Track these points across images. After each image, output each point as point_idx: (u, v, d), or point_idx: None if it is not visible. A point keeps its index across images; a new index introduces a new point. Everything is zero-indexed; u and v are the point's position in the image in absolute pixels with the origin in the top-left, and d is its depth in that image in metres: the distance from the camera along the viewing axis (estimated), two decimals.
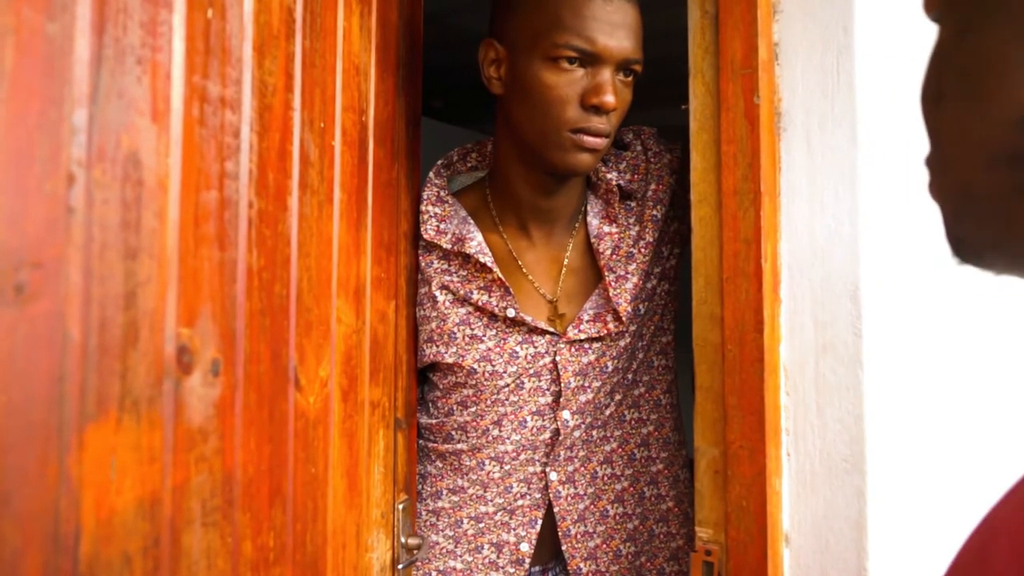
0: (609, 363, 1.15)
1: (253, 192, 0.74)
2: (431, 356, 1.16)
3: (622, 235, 1.18)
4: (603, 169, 1.18)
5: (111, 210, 0.56)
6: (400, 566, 1.09)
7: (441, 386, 1.17)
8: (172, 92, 0.62)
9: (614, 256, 1.16)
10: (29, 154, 0.49)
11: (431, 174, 1.20)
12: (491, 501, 1.16)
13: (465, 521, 1.18)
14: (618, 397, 1.17)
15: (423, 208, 1.16)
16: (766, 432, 0.86)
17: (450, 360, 1.14)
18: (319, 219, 0.87)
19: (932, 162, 0.40)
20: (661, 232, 1.19)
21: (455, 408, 1.17)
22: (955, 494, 0.94)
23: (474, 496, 1.17)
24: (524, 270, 1.17)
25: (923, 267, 0.93)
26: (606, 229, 1.17)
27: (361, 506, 0.98)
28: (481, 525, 1.17)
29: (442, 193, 1.18)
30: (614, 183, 1.17)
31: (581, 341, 1.14)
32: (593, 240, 1.17)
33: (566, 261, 1.19)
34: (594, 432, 1.16)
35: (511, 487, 1.16)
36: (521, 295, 1.16)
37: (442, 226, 1.15)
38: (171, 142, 0.62)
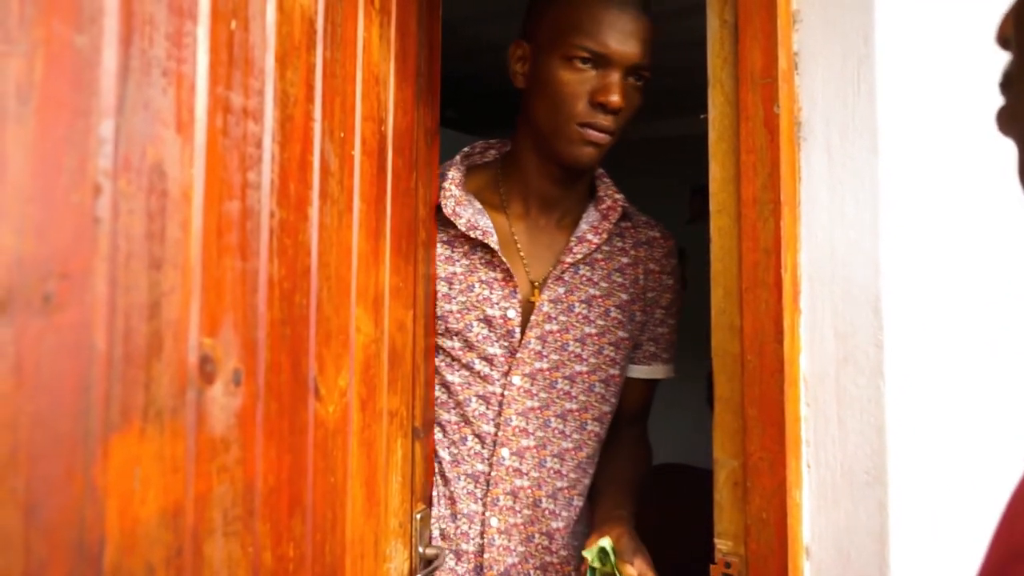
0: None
1: (274, 202, 0.74)
2: None
3: (598, 249, 1.24)
4: (613, 190, 1.26)
5: (136, 220, 0.56)
6: None
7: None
8: (196, 103, 0.63)
9: (581, 261, 1.23)
10: (57, 165, 0.50)
11: (458, 157, 1.28)
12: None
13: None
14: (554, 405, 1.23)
15: (446, 186, 1.21)
16: (786, 443, 0.86)
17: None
18: (339, 229, 0.87)
19: (1009, 86, 0.40)
20: (605, 298, 1.24)
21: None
22: (978, 507, 0.92)
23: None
24: (519, 247, 1.24)
25: (945, 278, 0.92)
26: (588, 236, 1.23)
27: (379, 516, 0.98)
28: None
29: (462, 179, 1.24)
30: (620, 203, 1.24)
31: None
32: (572, 240, 1.23)
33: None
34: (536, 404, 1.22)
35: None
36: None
37: (459, 209, 1.20)
38: (195, 153, 0.62)
